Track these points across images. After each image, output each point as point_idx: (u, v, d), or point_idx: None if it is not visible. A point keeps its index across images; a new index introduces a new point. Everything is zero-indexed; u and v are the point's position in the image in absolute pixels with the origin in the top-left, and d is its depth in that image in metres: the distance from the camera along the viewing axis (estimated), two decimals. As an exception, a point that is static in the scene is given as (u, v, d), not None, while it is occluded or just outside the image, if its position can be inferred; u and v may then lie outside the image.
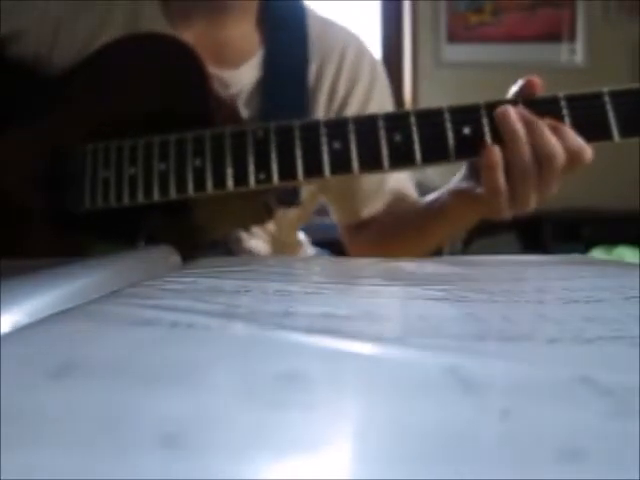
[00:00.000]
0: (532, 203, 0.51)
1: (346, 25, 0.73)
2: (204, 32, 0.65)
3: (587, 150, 0.50)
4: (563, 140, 0.49)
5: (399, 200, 0.71)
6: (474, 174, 0.55)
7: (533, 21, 2.28)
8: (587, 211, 2.11)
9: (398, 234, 0.69)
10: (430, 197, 0.64)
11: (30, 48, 0.63)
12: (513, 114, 0.50)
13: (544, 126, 0.50)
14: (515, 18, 2.29)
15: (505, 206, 0.51)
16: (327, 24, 0.71)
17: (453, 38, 2.28)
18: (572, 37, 2.28)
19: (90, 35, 0.63)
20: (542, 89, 0.52)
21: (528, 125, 0.50)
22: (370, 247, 0.71)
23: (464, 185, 0.56)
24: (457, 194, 0.57)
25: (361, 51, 0.71)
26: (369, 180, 0.70)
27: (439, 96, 2.19)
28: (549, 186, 0.51)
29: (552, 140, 0.49)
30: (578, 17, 2.29)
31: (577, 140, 0.50)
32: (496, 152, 0.50)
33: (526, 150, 0.49)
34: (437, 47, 2.29)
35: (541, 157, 0.49)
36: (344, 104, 0.68)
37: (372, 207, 0.71)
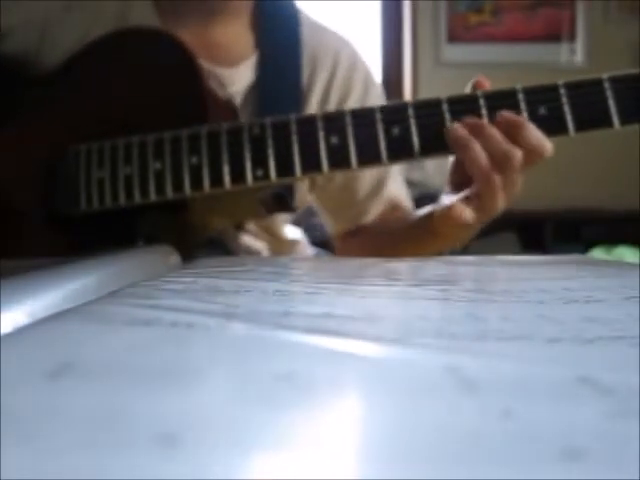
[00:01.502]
0: (500, 206, 0.50)
1: (339, 30, 0.73)
2: (196, 32, 0.64)
3: (546, 144, 0.49)
4: (520, 136, 0.48)
5: (393, 209, 0.71)
6: (454, 187, 0.54)
7: (533, 21, 2.28)
8: (587, 211, 2.11)
9: (389, 244, 0.68)
10: (423, 211, 0.62)
11: (18, 47, 0.62)
12: (460, 130, 0.49)
13: (492, 128, 0.49)
14: (515, 18, 2.29)
15: (475, 218, 0.50)
16: (320, 29, 0.71)
17: (453, 38, 2.28)
18: (572, 37, 2.28)
19: (79, 34, 0.62)
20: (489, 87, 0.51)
21: (475, 132, 0.49)
22: (359, 254, 0.70)
23: (447, 203, 0.55)
24: (442, 214, 0.55)
25: (355, 59, 0.71)
26: (366, 188, 0.70)
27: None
28: (513, 185, 0.50)
29: (502, 141, 0.48)
30: (578, 17, 2.28)
31: (535, 135, 0.48)
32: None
33: (483, 159, 0.48)
34: (437, 47, 2.29)
35: (498, 160, 0.48)
36: None
37: (368, 215, 0.71)
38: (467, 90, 0.52)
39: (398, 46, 2.32)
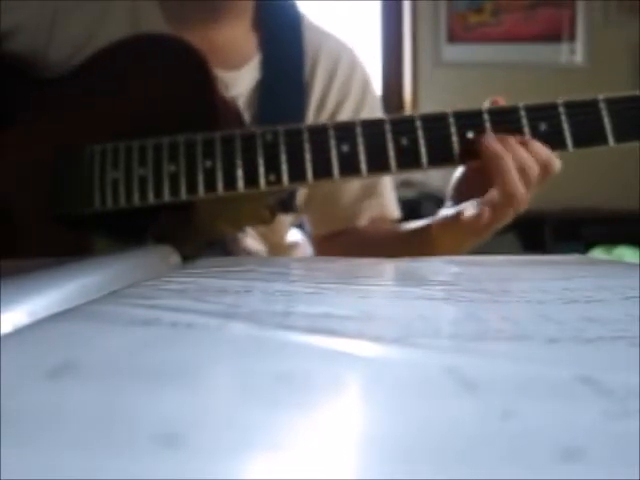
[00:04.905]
0: (509, 219, 0.53)
1: (341, 35, 0.73)
2: (200, 33, 0.64)
3: (555, 160, 0.52)
4: (533, 153, 0.51)
5: (376, 219, 0.71)
6: (461, 196, 0.56)
7: (533, 21, 2.28)
8: (587, 211, 2.11)
9: (378, 254, 0.68)
10: (414, 225, 0.64)
11: (26, 44, 0.63)
12: (496, 143, 0.51)
13: (515, 141, 0.51)
14: (515, 18, 2.29)
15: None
16: (322, 33, 0.71)
17: (453, 38, 2.29)
18: (572, 37, 2.28)
19: (87, 32, 0.62)
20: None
21: (506, 146, 0.51)
22: (341, 255, 0.70)
23: (452, 213, 0.56)
24: (445, 225, 0.57)
25: (354, 64, 0.71)
26: (353, 193, 0.70)
27: (439, 96, 2.19)
28: (523, 201, 0.52)
29: (525, 154, 0.51)
30: (578, 17, 2.28)
31: (545, 151, 0.51)
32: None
33: (514, 172, 0.50)
34: (437, 47, 2.29)
35: (522, 173, 0.51)
36: (332, 118, 0.68)
37: (359, 219, 0.71)
38: (486, 105, 0.54)
39: (398, 46, 2.32)
